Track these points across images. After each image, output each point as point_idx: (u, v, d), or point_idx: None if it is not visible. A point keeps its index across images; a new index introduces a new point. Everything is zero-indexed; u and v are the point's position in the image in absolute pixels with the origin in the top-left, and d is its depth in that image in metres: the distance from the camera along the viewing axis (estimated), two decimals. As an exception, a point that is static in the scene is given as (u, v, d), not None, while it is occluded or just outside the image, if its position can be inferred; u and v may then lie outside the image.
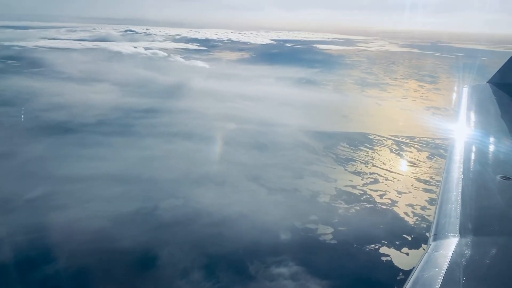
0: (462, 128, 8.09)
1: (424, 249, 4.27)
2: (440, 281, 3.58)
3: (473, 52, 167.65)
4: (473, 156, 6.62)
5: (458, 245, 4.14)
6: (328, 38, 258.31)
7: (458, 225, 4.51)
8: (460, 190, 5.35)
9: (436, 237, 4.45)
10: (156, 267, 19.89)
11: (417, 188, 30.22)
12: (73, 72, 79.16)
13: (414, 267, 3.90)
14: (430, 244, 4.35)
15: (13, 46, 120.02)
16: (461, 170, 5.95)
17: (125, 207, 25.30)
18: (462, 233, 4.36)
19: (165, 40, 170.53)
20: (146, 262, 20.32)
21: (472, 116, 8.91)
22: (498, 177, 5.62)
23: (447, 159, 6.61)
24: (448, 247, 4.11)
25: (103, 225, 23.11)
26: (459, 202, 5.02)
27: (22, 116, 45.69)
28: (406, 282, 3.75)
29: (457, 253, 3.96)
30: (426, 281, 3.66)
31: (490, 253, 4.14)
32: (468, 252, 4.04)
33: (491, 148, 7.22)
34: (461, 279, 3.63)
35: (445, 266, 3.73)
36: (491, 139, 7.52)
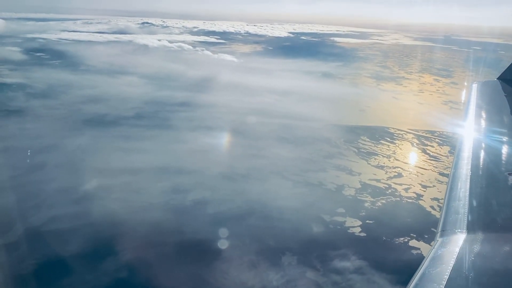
0: (471, 125, 8.12)
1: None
2: (447, 277, 3.60)
3: (489, 45, 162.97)
4: (481, 153, 6.63)
5: (465, 241, 4.14)
6: (343, 31, 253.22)
7: (465, 222, 4.51)
8: (468, 186, 5.36)
9: (444, 233, 4.44)
10: (219, 258, 20.48)
11: (441, 182, 30.69)
12: (102, 65, 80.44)
13: (421, 263, 3.90)
14: (437, 240, 4.32)
15: (37, 38, 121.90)
16: (469, 167, 5.94)
17: (178, 199, 26.39)
18: (470, 229, 4.36)
19: (182, 33, 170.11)
20: (209, 253, 20.97)
21: (481, 113, 8.90)
22: (506, 174, 5.67)
23: (455, 156, 6.64)
24: (456, 243, 4.11)
25: (164, 217, 24.04)
26: (467, 198, 5.05)
27: (62, 109, 46.90)
28: (413, 278, 3.73)
29: (464, 249, 3.97)
30: (433, 276, 3.67)
31: (497, 249, 4.16)
32: (475, 248, 4.05)
33: (499, 145, 7.20)
34: (468, 275, 3.65)
35: (452, 262, 3.74)
36: (499, 136, 7.53)
